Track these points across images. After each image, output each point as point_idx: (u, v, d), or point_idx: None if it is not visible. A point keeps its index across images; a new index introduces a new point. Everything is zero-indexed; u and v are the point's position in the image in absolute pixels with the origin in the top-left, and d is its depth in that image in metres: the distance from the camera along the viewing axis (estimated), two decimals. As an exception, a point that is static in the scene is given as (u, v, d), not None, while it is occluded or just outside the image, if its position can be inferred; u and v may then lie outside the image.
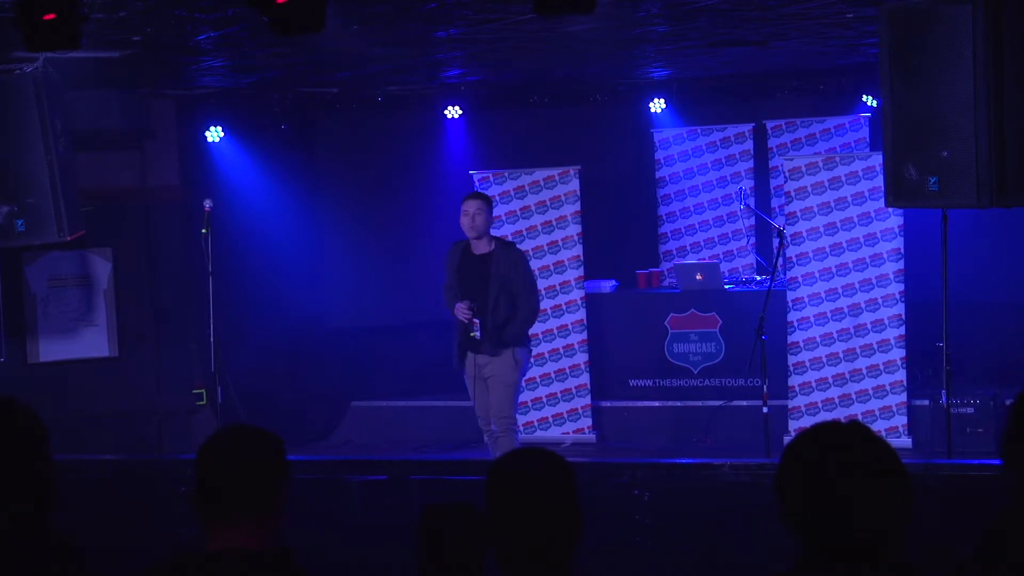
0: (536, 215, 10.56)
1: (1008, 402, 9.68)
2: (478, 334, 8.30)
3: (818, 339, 9.80)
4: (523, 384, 8.80)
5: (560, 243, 10.52)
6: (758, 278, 11.08)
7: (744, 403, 10.16)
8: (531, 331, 10.50)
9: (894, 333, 9.62)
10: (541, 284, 10.53)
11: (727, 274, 11.19)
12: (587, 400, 10.50)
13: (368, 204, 11.66)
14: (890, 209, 9.09)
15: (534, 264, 10.55)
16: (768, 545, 2.72)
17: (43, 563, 2.89)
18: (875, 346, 9.67)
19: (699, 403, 10.48)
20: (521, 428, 10.58)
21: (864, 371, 9.69)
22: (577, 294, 10.53)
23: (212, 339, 9.08)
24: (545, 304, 10.55)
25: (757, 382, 9.30)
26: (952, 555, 3.20)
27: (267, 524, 2.97)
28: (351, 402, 11.28)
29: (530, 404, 10.57)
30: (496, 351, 8.29)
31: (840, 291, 9.75)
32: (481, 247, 8.38)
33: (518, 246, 8.79)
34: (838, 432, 2.63)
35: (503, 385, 8.33)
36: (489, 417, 8.42)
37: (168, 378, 10.66)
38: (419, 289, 11.94)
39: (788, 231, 9.70)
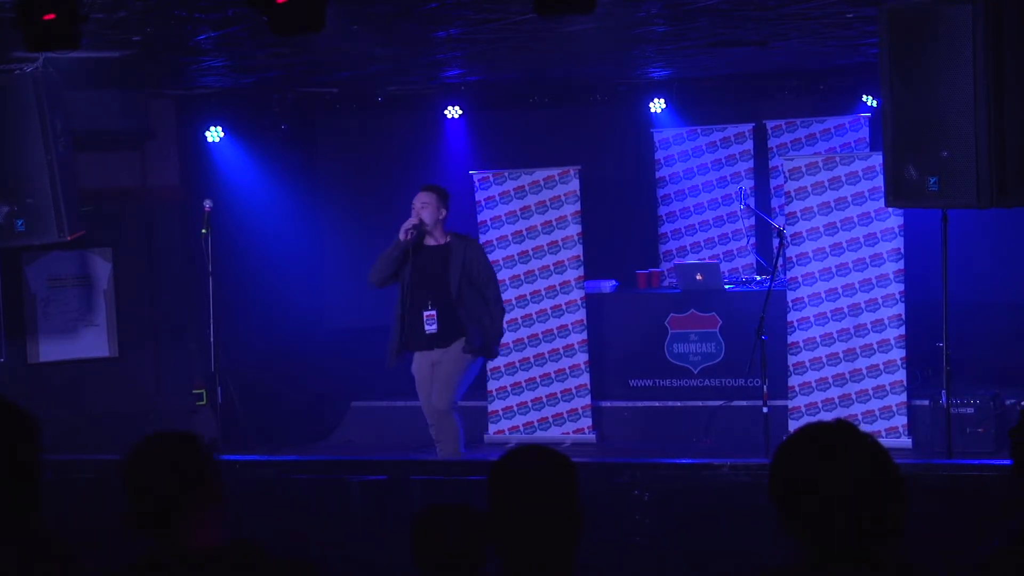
0: (536, 215, 10.56)
1: (1009, 402, 9.64)
2: (434, 328, 8.17)
3: (818, 339, 9.80)
4: (472, 377, 8.59)
5: (560, 243, 10.52)
6: (758, 278, 11.08)
7: (744, 403, 10.16)
8: (530, 332, 10.60)
9: (894, 333, 9.62)
10: (541, 284, 10.55)
11: (727, 274, 11.19)
12: (587, 400, 10.50)
13: (368, 204, 11.65)
14: (890, 209, 9.09)
15: (533, 264, 10.56)
16: (768, 545, 2.72)
17: (29, 563, 2.89)
18: (875, 346, 9.67)
19: (699, 403, 10.48)
20: (517, 430, 10.58)
21: (864, 371, 9.69)
22: (577, 294, 10.52)
23: (212, 339, 9.08)
24: (545, 304, 10.56)
25: (757, 382, 9.29)
26: (951, 555, 3.20)
27: (218, 520, 2.99)
28: (351, 402, 11.28)
29: (530, 404, 10.58)
30: (448, 343, 8.19)
31: (840, 291, 9.74)
32: (434, 239, 8.32)
33: (479, 240, 8.70)
34: (825, 433, 2.63)
35: (455, 367, 8.23)
36: (430, 398, 8.34)
37: (168, 378, 10.66)
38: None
39: (788, 231, 9.70)
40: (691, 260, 11.31)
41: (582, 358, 10.51)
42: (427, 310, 8.19)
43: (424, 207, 8.29)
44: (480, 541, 3.63)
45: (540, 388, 10.59)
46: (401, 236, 8.22)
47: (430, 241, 8.34)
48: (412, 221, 8.26)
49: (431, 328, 8.20)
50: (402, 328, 8.35)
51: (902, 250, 9.59)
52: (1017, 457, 3.29)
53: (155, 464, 3.01)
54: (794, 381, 9.84)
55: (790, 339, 9.84)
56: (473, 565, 3.64)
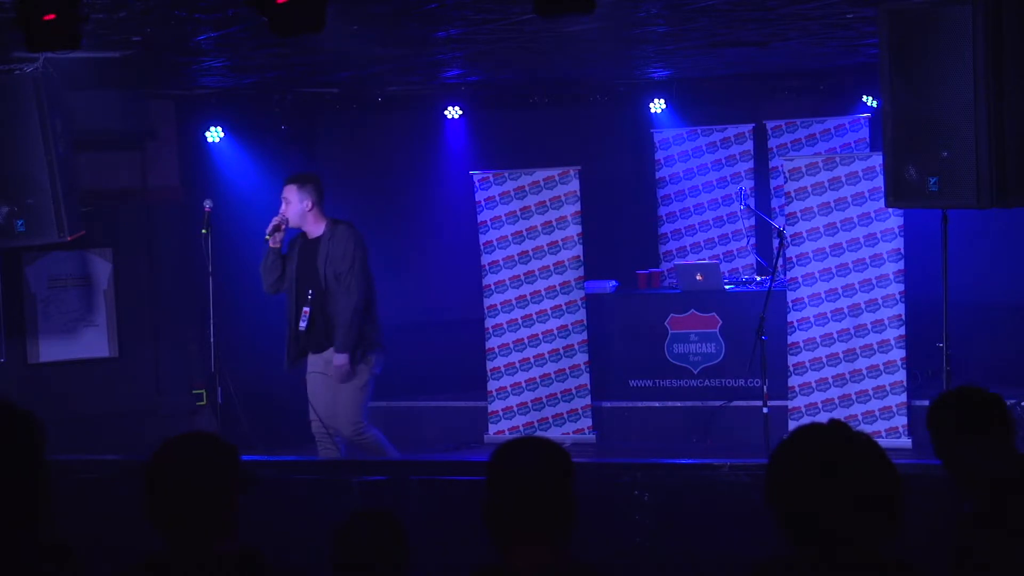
0: (536, 215, 10.55)
1: (1010, 402, 9.74)
2: (303, 324, 7.85)
3: (818, 339, 9.80)
4: (371, 387, 8.13)
5: (560, 243, 10.52)
6: (758, 278, 11.08)
7: (744, 403, 10.16)
8: (530, 332, 10.58)
9: (894, 333, 9.62)
10: (541, 285, 10.53)
11: (727, 274, 11.19)
12: (587, 400, 10.50)
13: (368, 204, 11.63)
14: (890, 209, 9.09)
15: (533, 265, 10.55)
16: (767, 545, 2.72)
17: (36, 565, 2.89)
18: (875, 346, 9.67)
19: (699, 403, 10.48)
20: (517, 430, 10.57)
21: (864, 371, 9.69)
22: (577, 294, 10.52)
23: (212, 339, 9.08)
24: (545, 305, 10.55)
25: (757, 382, 9.29)
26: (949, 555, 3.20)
27: (222, 528, 2.99)
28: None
29: (530, 404, 10.58)
30: (321, 347, 7.83)
31: (840, 291, 9.74)
32: (313, 231, 7.97)
33: (355, 226, 8.09)
34: (820, 434, 2.64)
35: (351, 388, 7.90)
36: (330, 419, 8.00)
37: (168, 378, 10.66)
38: (419, 289, 11.94)
39: (788, 231, 9.70)
40: (691, 260, 11.31)
41: (582, 358, 10.50)
42: (305, 306, 7.88)
43: (287, 204, 7.95)
44: (399, 550, 3.66)
45: (540, 388, 10.58)
46: (267, 237, 7.90)
47: (310, 234, 7.95)
48: (274, 221, 7.91)
49: (302, 324, 7.89)
50: (290, 329, 8.03)
51: (902, 250, 9.59)
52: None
53: (177, 464, 3.01)
54: (794, 381, 9.83)
55: (790, 339, 9.84)
56: (395, 570, 3.64)
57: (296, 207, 7.98)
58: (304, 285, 7.98)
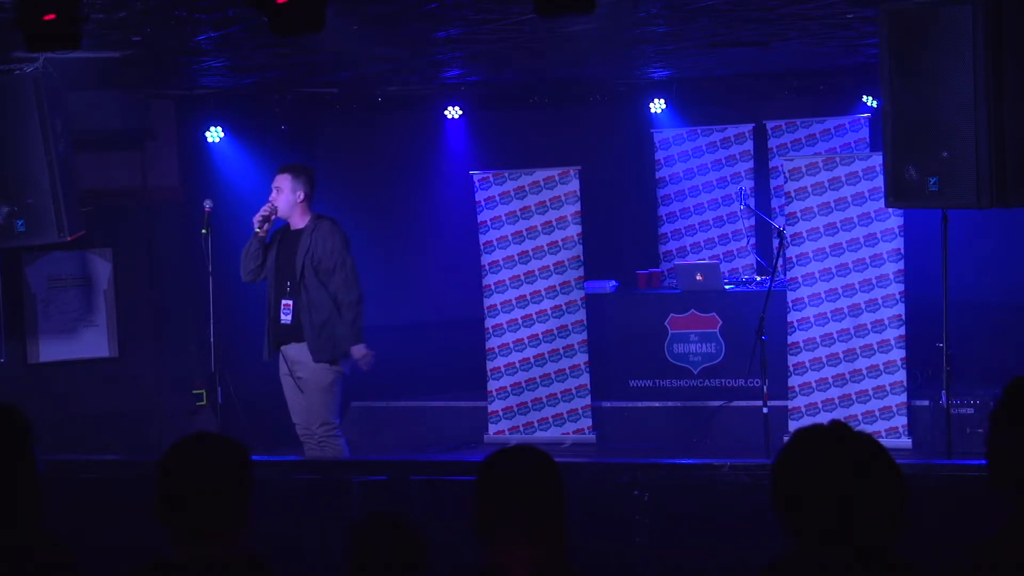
0: (536, 215, 10.55)
1: None
2: (288, 318, 7.84)
3: (818, 339, 9.80)
4: (342, 387, 8.10)
5: (560, 243, 10.52)
6: (758, 278, 11.09)
7: (744, 404, 10.16)
8: (530, 332, 10.58)
9: (894, 333, 9.62)
10: (541, 285, 10.54)
11: (727, 274, 11.20)
12: (587, 400, 10.50)
13: (368, 204, 11.65)
14: (890, 209, 9.10)
15: (533, 265, 10.55)
16: (768, 545, 2.72)
17: (31, 563, 2.89)
18: (875, 346, 9.67)
19: (699, 403, 10.48)
20: (517, 430, 10.58)
21: (864, 371, 9.69)
22: (577, 294, 10.52)
23: (212, 339, 9.08)
24: (545, 305, 10.55)
25: (757, 382, 9.29)
26: (950, 555, 3.20)
27: (234, 531, 2.98)
28: (351, 402, 11.27)
29: (530, 404, 10.58)
30: (314, 354, 7.77)
31: (840, 291, 9.75)
32: (297, 223, 7.97)
33: (339, 223, 8.05)
34: (822, 435, 2.64)
35: (318, 389, 7.89)
36: (305, 421, 7.99)
37: (168, 378, 10.66)
38: (419, 289, 11.95)
39: (788, 231, 9.70)
40: (691, 260, 11.32)
41: (582, 358, 10.50)
42: (285, 299, 7.84)
43: (278, 192, 7.93)
44: (417, 552, 3.66)
45: (540, 388, 10.58)
46: (256, 227, 7.91)
47: (293, 225, 7.97)
48: (264, 210, 7.91)
49: (286, 318, 7.87)
50: (269, 320, 8.00)
51: (902, 250, 9.59)
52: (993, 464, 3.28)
53: (191, 464, 3.01)
54: (794, 381, 9.84)
55: (790, 339, 9.84)
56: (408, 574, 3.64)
57: (288, 196, 7.96)
58: (282, 277, 7.99)
